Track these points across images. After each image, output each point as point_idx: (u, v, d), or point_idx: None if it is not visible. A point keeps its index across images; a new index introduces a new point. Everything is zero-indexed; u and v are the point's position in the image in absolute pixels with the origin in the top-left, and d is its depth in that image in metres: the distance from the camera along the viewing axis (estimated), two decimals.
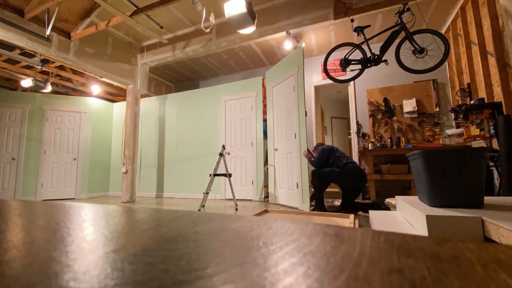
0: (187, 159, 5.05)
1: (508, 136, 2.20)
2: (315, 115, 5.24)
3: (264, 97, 5.56)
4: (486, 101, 2.98)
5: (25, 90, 5.56)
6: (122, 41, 4.62)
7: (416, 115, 4.36)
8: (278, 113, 4.05)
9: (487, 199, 1.74)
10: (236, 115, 4.77)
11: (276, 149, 4.06)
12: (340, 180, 3.12)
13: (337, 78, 3.34)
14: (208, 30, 3.32)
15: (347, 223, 2.04)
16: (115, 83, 4.63)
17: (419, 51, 2.73)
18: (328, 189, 4.56)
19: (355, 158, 4.80)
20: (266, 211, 2.64)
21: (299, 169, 3.43)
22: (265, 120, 5.46)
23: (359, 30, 2.98)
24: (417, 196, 1.85)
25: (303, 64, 3.48)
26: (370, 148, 4.44)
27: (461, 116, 2.87)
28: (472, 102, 3.13)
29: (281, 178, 3.87)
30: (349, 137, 6.66)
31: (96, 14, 3.67)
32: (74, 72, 5.13)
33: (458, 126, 3.94)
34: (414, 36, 2.76)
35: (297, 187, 3.44)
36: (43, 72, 4.88)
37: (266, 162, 4.46)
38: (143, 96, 5.77)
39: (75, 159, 5.18)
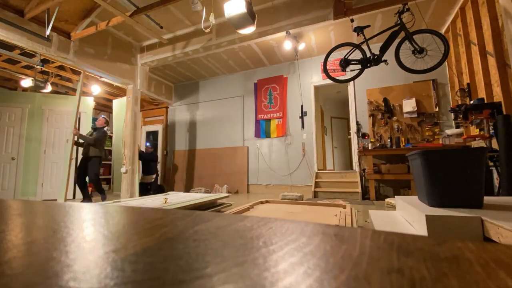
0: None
1: (508, 136, 2.20)
2: (315, 115, 5.24)
3: (259, 99, 5.62)
4: (485, 101, 2.98)
5: (25, 90, 5.56)
6: (122, 41, 4.62)
7: (416, 115, 4.36)
8: None
9: (487, 199, 1.74)
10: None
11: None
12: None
13: (337, 78, 3.34)
14: (208, 30, 3.32)
15: (338, 212, 2.10)
16: (115, 83, 4.63)
17: (419, 51, 2.73)
18: (326, 189, 4.57)
19: (355, 158, 4.80)
20: (267, 202, 2.65)
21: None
22: (264, 120, 5.45)
23: (359, 30, 2.98)
24: (417, 196, 1.85)
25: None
26: (370, 148, 4.44)
27: (461, 116, 2.87)
28: (471, 102, 3.13)
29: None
30: (349, 137, 6.66)
31: (96, 14, 3.67)
32: (74, 72, 5.13)
33: (457, 126, 3.94)
34: (413, 36, 2.76)
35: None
36: (43, 72, 4.88)
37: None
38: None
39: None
